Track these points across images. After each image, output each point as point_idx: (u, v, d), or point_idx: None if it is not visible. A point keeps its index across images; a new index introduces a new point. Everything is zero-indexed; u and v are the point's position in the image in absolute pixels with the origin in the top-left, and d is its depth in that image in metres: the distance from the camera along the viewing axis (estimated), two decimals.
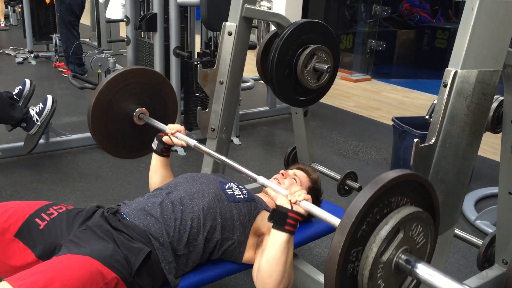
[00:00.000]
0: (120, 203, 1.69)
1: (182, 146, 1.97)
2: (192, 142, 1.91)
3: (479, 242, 2.14)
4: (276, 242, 1.44)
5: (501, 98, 1.76)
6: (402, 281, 1.14)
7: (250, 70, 4.03)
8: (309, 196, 1.44)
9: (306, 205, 1.40)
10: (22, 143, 3.43)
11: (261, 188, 1.99)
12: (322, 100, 4.31)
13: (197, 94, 4.02)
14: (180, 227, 1.56)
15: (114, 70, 3.89)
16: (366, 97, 6.23)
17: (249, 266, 1.71)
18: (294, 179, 1.90)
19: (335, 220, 1.28)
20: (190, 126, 4.15)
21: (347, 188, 2.74)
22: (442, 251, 1.49)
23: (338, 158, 4.07)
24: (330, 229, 2.07)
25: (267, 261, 1.46)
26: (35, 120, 3.21)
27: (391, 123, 3.79)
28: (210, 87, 2.35)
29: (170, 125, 1.97)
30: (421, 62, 7.87)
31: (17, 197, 3.07)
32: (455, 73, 1.33)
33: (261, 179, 1.58)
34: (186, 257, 1.58)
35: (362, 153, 4.20)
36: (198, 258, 1.60)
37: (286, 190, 1.47)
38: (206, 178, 1.76)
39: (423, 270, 1.06)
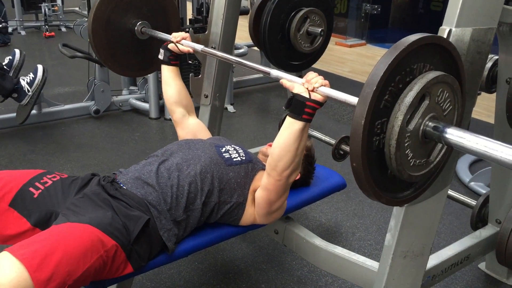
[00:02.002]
0: (115, 172, 1.68)
1: (189, 53, 1.93)
2: (199, 46, 1.88)
3: (472, 202, 2.16)
4: (291, 129, 1.42)
5: (496, 57, 1.75)
6: (431, 149, 1.11)
7: (244, 36, 3.97)
8: (326, 82, 1.39)
9: (325, 90, 1.36)
10: (14, 114, 3.40)
11: (259, 150, 1.98)
12: (317, 66, 4.28)
13: (190, 62, 3.97)
14: (177, 193, 1.56)
15: None
16: (361, 62, 6.18)
17: (246, 229, 1.72)
18: None
19: (354, 100, 1.21)
20: None
21: (342, 152, 2.74)
22: (436, 212, 1.50)
23: (333, 123, 4.07)
24: (326, 193, 2.08)
25: (279, 146, 1.45)
26: (26, 90, 3.17)
27: None
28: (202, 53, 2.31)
29: (174, 33, 1.93)
30: (417, 25, 7.77)
31: (12, 168, 3.07)
32: (450, 31, 1.31)
33: (274, 72, 1.54)
34: (185, 222, 1.58)
35: None
36: (195, 222, 1.60)
37: (302, 79, 1.42)
38: (202, 144, 1.75)
39: (454, 134, 1.02)
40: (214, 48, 2.28)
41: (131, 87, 4.28)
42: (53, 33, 6.67)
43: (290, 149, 1.44)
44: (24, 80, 3.21)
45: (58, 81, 4.77)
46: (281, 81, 1.50)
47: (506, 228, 1.87)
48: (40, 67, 3.25)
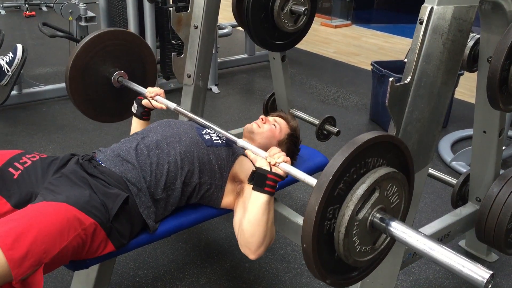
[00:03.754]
0: (95, 150, 1.66)
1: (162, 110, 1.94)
2: (172, 105, 1.88)
3: (453, 181, 2.19)
4: (257, 203, 1.46)
5: (478, 36, 1.75)
6: (377, 238, 1.18)
7: (228, 17, 3.93)
8: (288, 158, 1.45)
9: (285, 167, 1.42)
10: None
11: (241, 134, 1.98)
12: (302, 47, 4.25)
13: (173, 42, 3.92)
14: (156, 171, 1.55)
15: (85, 17, 3.75)
16: (346, 43, 6.17)
17: (228, 211, 1.72)
18: (274, 125, 1.89)
19: (313, 181, 1.30)
20: (167, 74, 4.08)
21: (325, 133, 2.75)
22: (417, 189, 1.51)
23: (318, 104, 4.07)
24: (309, 173, 2.08)
25: (249, 221, 1.47)
26: (5, 70, 3.10)
27: (370, 68, 3.78)
28: (185, 32, 2.28)
29: (149, 88, 1.93)
30: (402, 6, 7.77)
31: None
32: (431, 9, 1.31)
33: (240, 142, 1.58)
34: (165, 201, 1.58)
35: (341, 99, 4.20)
36: (176, 202, 1.60)
37: (266, 152, 1.48)
38: (182, 124, 1.74)
39: (397, 228, 1.09)
40: (197, 28, 2.26)
41: None
42: (33, 13, 6.53)
43: (259, 223, 1.45)
44: (3, 60, 3.13)
45: (39, 62, 4.69)
46: (246, 151, 1.56)
47: (486, 206, 1.89)
48: (19, 47, 3.18)
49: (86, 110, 2.14)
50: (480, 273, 0.96)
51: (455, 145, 3.33)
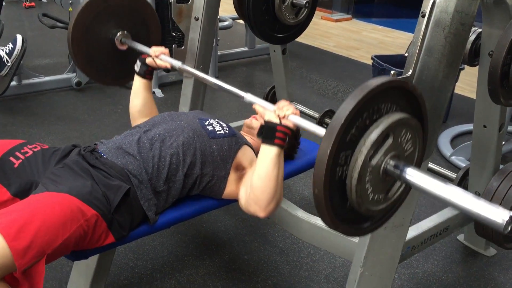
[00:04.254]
0: (96, 142, 1.66)
1: (165, 70, 1.91)
2: (177, 63, 1.86)
3: (453, 175, 2.19)
4: (267, 157, 1.44)
5: (479, 30, 1.75)
6: (390, 186, 1.15)
7: (229, 9, 3.92)
8: (297, 111, 1.42)
9: (294, 119, 1.39)
10: None
11: (241, 127, 1.98)
12: (302, 40, 4.24)
13: (174, 34, 3.89)
14: (158, 164, 1.55)
15: None
16: (346, 37, 6.16)
17: (229, 202, 1.72)
18: None
19: (322, 132, 1.26)
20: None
21: (325, 126, 2.75)
22: None
23: (318, 98, 4.07)
24: (309, 166, 2.09)
25: (259, 177, 1.46)
26: (5, 60, 3.10)
27: (370, 62, 3.77)
28: (185, 23, 2.29)
29: (154, 47, 1.90)
30: (402, 1, 7.75)
31: None
32: (434, 2, 1.30)
33: (248, 96, 1.55)
34: (166, 193, 1.58)
35: (341, 93, 4.20)
36: (177, 194, 1.60)
37: (274, 106, 1.45)
38: (185, 116, 1.74)
39: (412, 174, 1.06)
40: (197, 19, 2.25)
41: None
42: (33, 3, 6.51)
43: (270, 178, 1.44)
44: (3, 50, 3.13)
45: (39, 53, 4.67)
46: (254, 106, 1.53)
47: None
48: (19, 37, 3.18)
49: (89, 71, 2.12)
50: (499, 214, 0.93)
51: (455, 140, 3.33)
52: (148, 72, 1.92)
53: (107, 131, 3.22)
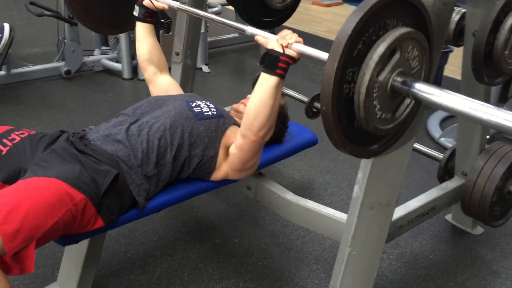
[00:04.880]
0: (85, 128, 1.66)
1: (165, 10, 1.89)
2: (175, 3, 1.84)
3: (440, 156, 2.21)
4: (266, 85, 1.44)
5: (464, 10, 1.76)
6: (398, 105, 1.15)
7: None
8: (300, 39, 1.42)
9: (299, 47, 1.38)
10: None
11: (230, 109, 1.98)
12: (292, 25, 4.22)
13: (163, 21, 3.88)
14: (147, 149, 1.55)
15: None
16: (337, 21, 6.14)
17: (217, 185, 1.74)
18: None
19: (326, 55, 1.25)
20: None
21: (315, 110, 2.76)
22: (402, 164, 1.53)
23: (308, 83, 4.07)
24: (297, 149, 2.10)
25: (254, 104, 1.47)
26: None
27: None
28: (172, 9, 2.27)
29: None
30: None
31: None
32: None
33: (249, 29, 1.54)
34: (157, 178, 1.59)
35: None
36: (167, 177, 1.61)
37: (276, 36, 1.43)
38: (172, 100, 1.74)
39: (421, 88, 1.06)
40: (185, 4, 2.24)
41: (103, 47, 4.18)
42: None
43: (265, 106, 1.45)
44: None
45: (27, 42, 4.64)
46: (255, 37, 1.51)
47: (471, 180, 1.93)
48: (6, 26, 3.16)
49: (85, 20, 2.11)
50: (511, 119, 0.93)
51: (444, 122, 3.35)
52: (148, 15, 1.90)
53: (97, 120, 3.22)
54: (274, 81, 1.42)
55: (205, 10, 3.94)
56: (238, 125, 1.76)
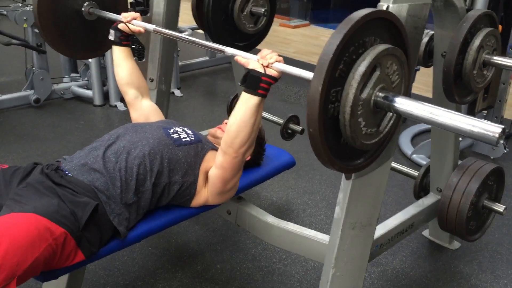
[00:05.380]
0: (59, 159, 1.63)
1: (140, 34, 1.89)
2: (151, 27, 1.83)
3: (415, 173, 2.26)
4: (247, 104, 1.44)
5: (432, 32, 1.82)
6: (381, 119, 1.18)
7: (187, 19, 3.92)
8: (281, 58, 1.43)
9: (280, 66, 1.40)
10: None
11: (208, 133, 1.98)
12: (261, 47, 4.26)
13: (133, 46, 3.88)
14: (126, 176, 1.53)
15: None
16: (305, 42, 6.25)
17: (197, 211, 1.72)
18: None
19: (310, 75, 1.26)
20: None
21: (290, 131, 2.79)
22: (381, 183, 1.56)
23: (281, 104, 4.11)
24: (276, 171, 2.11)
25: (235, 123, 1.47)
26: None
27: None
28: (145, 35, 2.27)
29: (124, 14, 1.88)
30: (358, 6, 7.92)
31: None
32: (387, 7, 1.35)
33: (229, 50, 1.55)
34: (137, 205, 1.56)
35: (303, 98, 4.26)
36: (147, 204, 1.59)
37: (257, 56, 1.44)
38: (149, 127, 1.73)
39: (402, 102, 1.09)
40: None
41: (73, 74, 4.14)
42: None
43: (246, 125, 1.47)
44: None
45: None
46: (236, 58, 1.53)
47: (446, 196, 1.97)
48: None
49: (60, 47, 2.08)
50: (491, 129, 0.96)
51: (415, 139, 3.43)
52: (123, 38, 1.89)
53: (70, 148, 3.16)
54: (256, 101, 1.44)
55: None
56: (216, 149, 1.76)
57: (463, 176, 1.95)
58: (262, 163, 2.04)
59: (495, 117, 3.14)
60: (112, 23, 1.92)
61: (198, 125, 3.62)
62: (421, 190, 2.22)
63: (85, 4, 2.03)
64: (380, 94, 1.11)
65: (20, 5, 3.70)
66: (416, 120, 1.10)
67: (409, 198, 2.64)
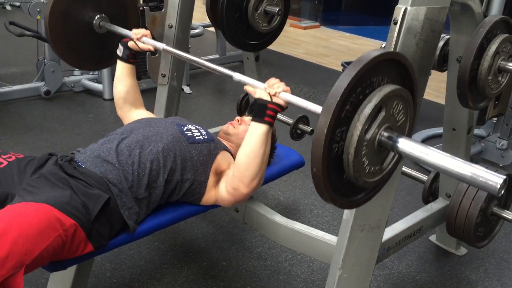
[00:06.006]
0: (73, 151, 1.64)
1: (150, 51, 1.90)
2: (161, 45, 1.83)
3: (424, 178, 2.25)
4: (255, 134, 1.45)
5: (447, 36, 1.81)
6: (385, 157, 1.18)
7: (199, 17, 3.93)
8: (288, 88, 1.44)
9: (286, 96, 1.40)
10: None
11: (216, 134, 1.99)
12: (272, 48, 4.28)
13: None
14: (138, 171, 1.54)
15: None
16: (315, 44, 6.25)
17: (207, 208, 1.73)
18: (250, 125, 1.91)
19: (316, 107, 1.29)
20: (138, 74, 4.03)
21: (299, 132, 2.78)
22: (392, 185, 1.55)
23: (289, 104, 4.10)
24: (285, 171, 2.11)
25: (245, 154, 1.47)
26: None
27: (340, 69, 3.84)
28: (159, 31, 2.28)
29: (134, 30, 1.88)
30: (368, 9, 7.92)
31: None
32: (405, 10, 1.35)
33: (237, 76, 1.56)
34: (147, 200, 1.57)
35: (312, 98, 4.25)
36: (158, 200, 1.59)
37: (264, 84, 1.46)
38: (163, 122, 1.74)
39: (404, 144, 1.09)
40: (171, 27, 2.25)
41: None
42: None
43: (256, 155, 1.46)
44: None
45: (5, 61, 4.58)
46: (245, 87, 1.54)
47: (455, 201, 1.96)
48: None
49: (69, 58, 2.10)
50: (493, 178, 0.95)
51: (424, 143, 3.41)
52: (131, 56, 1.90)
53: (79, 141, 3.18)
54: (264, 129, 1.45)
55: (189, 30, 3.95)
56: (228, 150, 1.76)
57: None
58: (272, 161, 2.04)
59: (506, 125, 3.13)
60: (122, 37, 1.93)
61: (206, 122, 3.62)
62: (430, 194, 2.21)
63: (96, 17, 2.04)
64: (385, 133, 1.11)
65: None
66: (418, 162, 1.09)
67: (416, 203, 2.63)
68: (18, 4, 3.78)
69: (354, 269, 1.59)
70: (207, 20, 3.64)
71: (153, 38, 1.97)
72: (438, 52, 1.83)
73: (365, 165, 1.11)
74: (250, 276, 2.07)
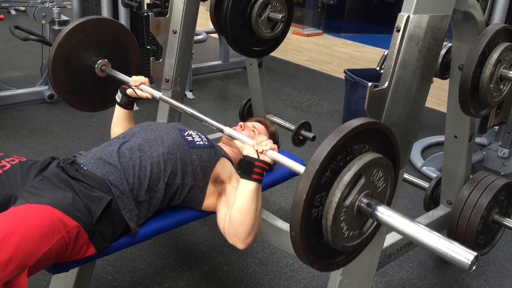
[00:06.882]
0: (75, 154, 1.65)
1: (146, 99, 1.93)
2: (157, 94, 1.86)
3: (425, 185, 2.26)
4: (245, 191, 1.47)
5: (450, 44, 1.82)
6: (364, 223, 1.19)
7: (202, 23, 3.96)
8: (275, 146, 1.46)
9: (273, 154, 1.43)
10: None
11: (220, 138, 2.00)
12: (275, 54, 4.29)
13: (149, 47, 3.91)
14: (139, 174, 1.55)
15: (59, 21, 3.71)
16: (317, 51, 6.27)
17: (208, 213, 1.73)
18: (253, 131, 1.93)
19: (300, 168, 1.32)
20: None
21: (301, 138, 2.80)
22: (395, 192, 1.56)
23: (292, 111, 4.12)
24: (287, 176, 2.12)
25: (238, 210, 1.49)
26: None
27: (342, 76, 3.85)
28: (163, 36, 2.30)
29: (134, 77, 1.91)
30: (371, 17, 7.96)
31: None
32: (408, 17, 1.36)
33: (227, 130, 1.59)
34: (148, 203, 1.58)
35: (314, 105, 4.27)
36: (158, 204, 1.60)
37: (253, 140, 1.49)
38: (164, 126, 1.75)
39: (383, 212, 1.10)
40: (175, 32, 2.27)
41: None
42: (1, 16, 6.40)
43: (248, 211, 1.47)
44: None
45: (9, 65, 4.60)
46: (234, 141, 1.57)
47: (457, 209, 1.96)
48: None
49: (70, 100, 2.12)
50: (465, 254, 0.96)
51: (425, 151, 3.42)
52: (129, 103, 1.93)
53: (81, 145, 3.19)
54: (252, 186, 1.46)
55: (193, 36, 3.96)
56: (229, 157, 1.77)
57: (475, 190, 1.94)
58: (274, 167, 2.05)
59: (507, 133, 3.13)
60: (122, 82, 1.95)
61: (208, 128, 3.62)
62: (431, 202, 2.21)
63: (98, 62, 2.07)
64: (364, 200, 1.12)
65: (39, 1, 3.75)
66: (396, 231, 1.10)
67: (417, 210, 2.64)
68: (23, 8, 3.81)
69: (355, 275, 1.59)
70: (210, 27, 3.66)
71: (148, 72, 1.97)
72: (440, 59, 1.84)
73: (343, 230, 1.12)
74: (251, 281, 2.08)
